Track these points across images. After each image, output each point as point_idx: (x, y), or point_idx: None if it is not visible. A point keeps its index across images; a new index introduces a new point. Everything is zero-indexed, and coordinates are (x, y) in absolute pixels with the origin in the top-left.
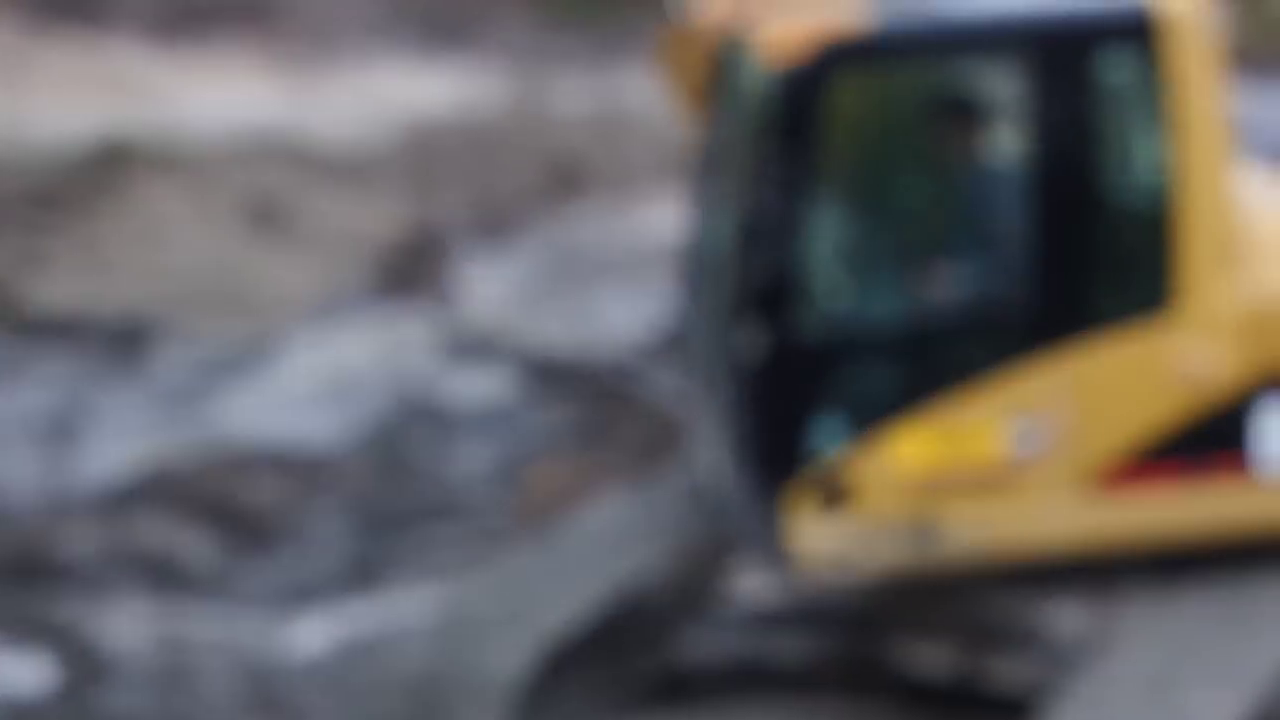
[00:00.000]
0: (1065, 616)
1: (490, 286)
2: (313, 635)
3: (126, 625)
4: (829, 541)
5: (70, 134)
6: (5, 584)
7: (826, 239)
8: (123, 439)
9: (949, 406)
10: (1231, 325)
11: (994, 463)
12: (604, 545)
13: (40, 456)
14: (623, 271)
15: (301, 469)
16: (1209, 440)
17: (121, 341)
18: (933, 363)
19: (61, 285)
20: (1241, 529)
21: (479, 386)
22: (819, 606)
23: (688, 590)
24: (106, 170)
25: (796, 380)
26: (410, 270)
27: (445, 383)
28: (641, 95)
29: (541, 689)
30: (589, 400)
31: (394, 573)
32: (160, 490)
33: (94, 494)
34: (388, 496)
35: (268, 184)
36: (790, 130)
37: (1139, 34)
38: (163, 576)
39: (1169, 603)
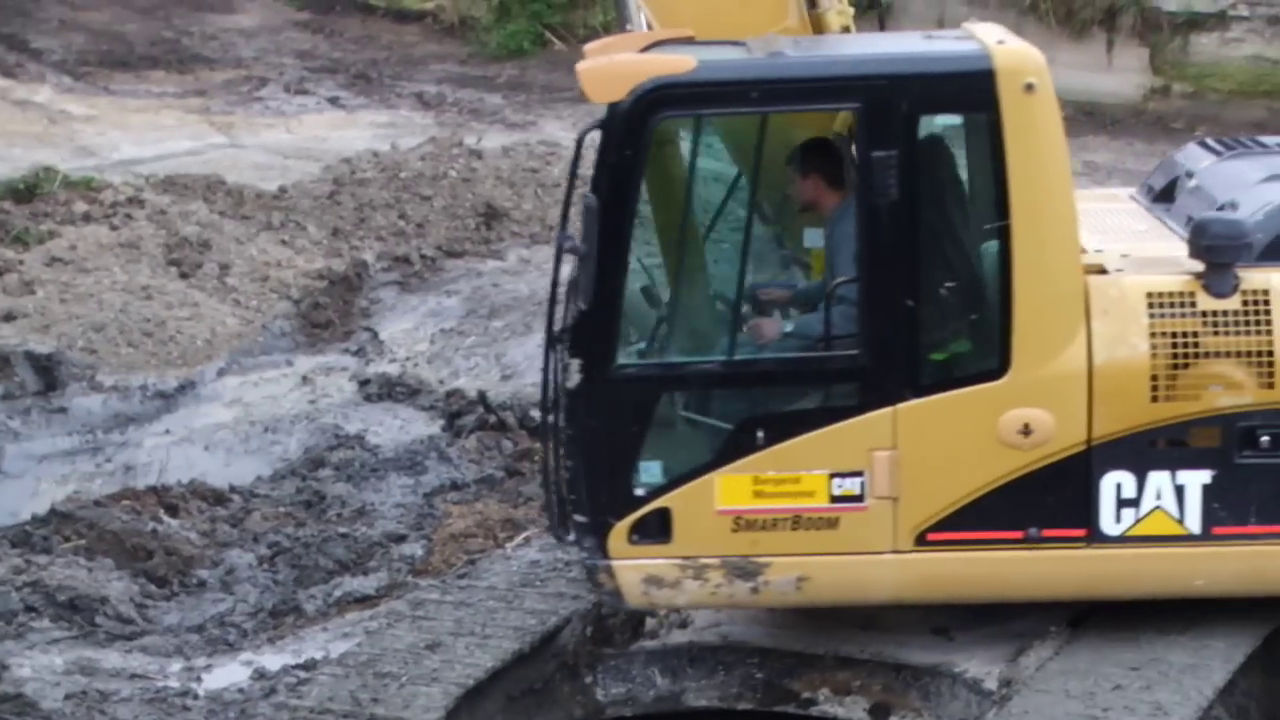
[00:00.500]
0: (982, 658)
1: (408, 329)
2: (226, 676)
3: (40, 663)
4: (647, 575)
5: None
6: None
7: (646, 280)
8: (40, 476)
9: (778, 453)
10: (1074, 386)
11: (815, 512)
12: (519, 587)
13: None
14: (539, 314)
15: (219, 509)
16: (1040, 504)
17: (41, 379)
18: (763, 409)
19: None
20: (1073, 592)
21: (396, 428)
22: (734, 644)
23: (601, 631)
24: (28, 208)
25: (621, 420)
26: (330, 312)
27: (363, 424)
28: (560, 140)
29: None
30: (504, 442)
31: (308, 613)
32: (76, 529)
33: (8, 531)
34: (304, 537)
35: (190, 225)
36: (607, 165)
37: (965, 89)
38: (77, 615)
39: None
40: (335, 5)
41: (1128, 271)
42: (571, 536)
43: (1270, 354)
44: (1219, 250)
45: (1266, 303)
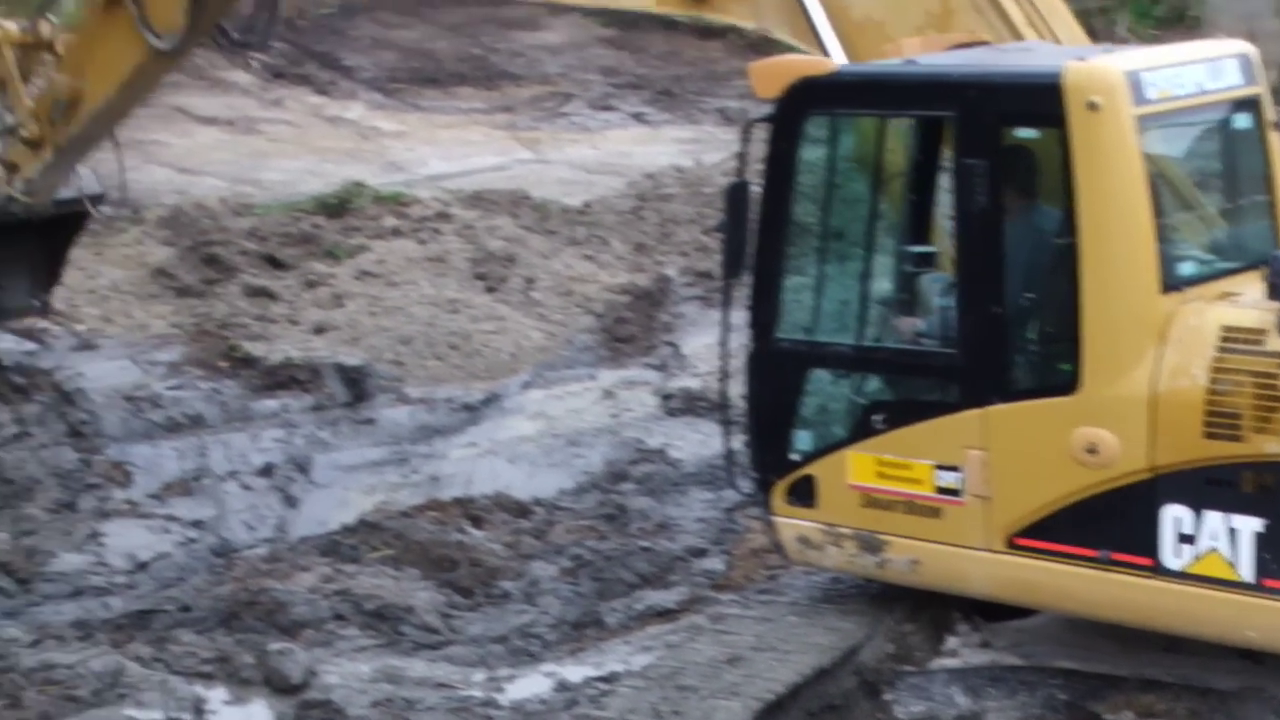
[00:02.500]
0: None
1: (710, 343)
2: (528, 686)
3: (348, 670)
4: (800, 535)
5: (307, 190)
6: (227, 627)
7: (800, 267)
8: (348, 486)
9: (895, 438)
10: (1136, 412)
11: (924, 499)
12: (820, 604)
13: (266, 502)
14: None
15: (523, 521)
16: (1110, 524)
17: (350, 390)
18: (884, 396)
19: (292, 335)
20: (1141, 620)
21: (697, 442)
22: (1037, 664)
23: (902, 648)
24: (340, 223)
25: (779, 391)
26: (633, 327)
27: (665, 438)
28: None
29: None
30: None
31: (610, 626)
32: (383, 539)
33: (317, 541)
34: (606, 550)
35: (496, 240)
36: (773, 158)
37: (1037, 104)
38: (384, 623)
39: None
40: (640, 22)
41: (1218, 301)
42: (747, 491)
43: None
44: None
45: None
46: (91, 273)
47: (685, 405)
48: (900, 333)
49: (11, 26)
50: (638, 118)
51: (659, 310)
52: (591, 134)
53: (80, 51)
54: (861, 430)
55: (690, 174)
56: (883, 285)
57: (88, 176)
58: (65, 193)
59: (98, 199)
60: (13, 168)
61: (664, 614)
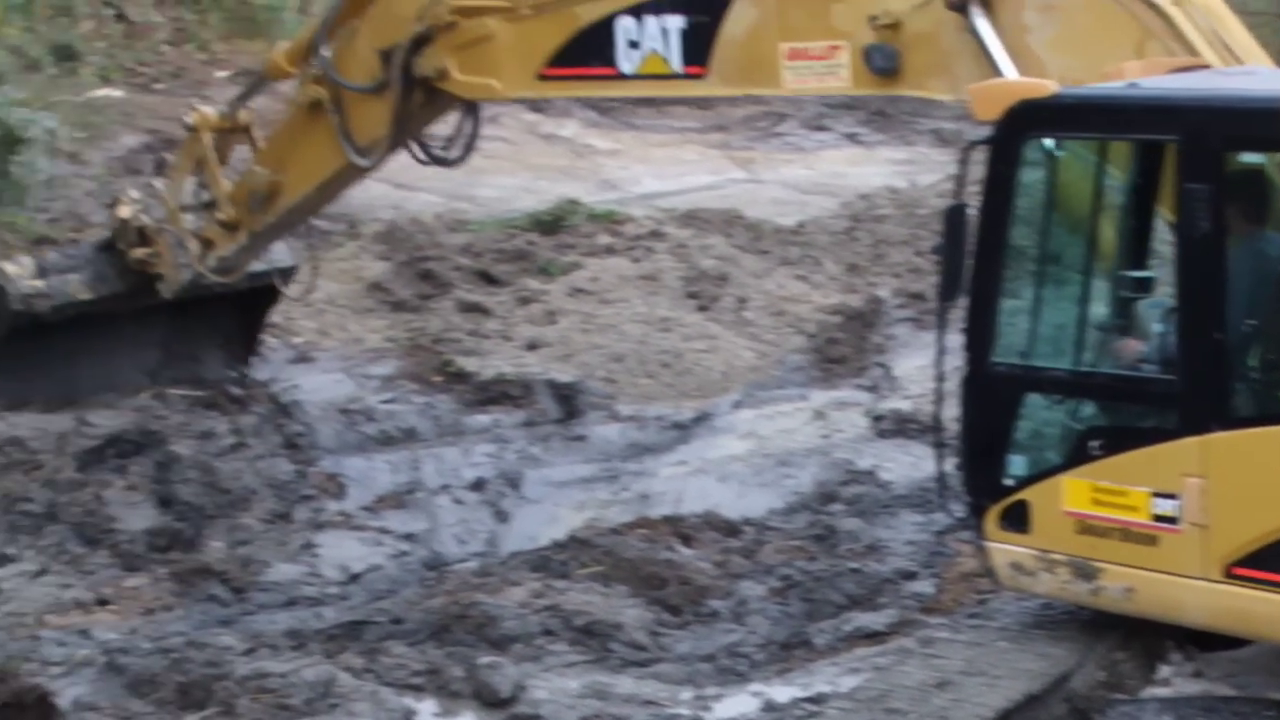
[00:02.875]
0: None
1: (922, 365)
2: (735, 706)
3: (556, 686)
4: (1013, 560)
5: (521, 207)
6: (437, 640)
7: (1017, 290)
8: (558, 502)
9: (1111, 464)
10: None
11: (1140, 527)
12: (1030, 629)
13: (477, 516)
14: None
15: (732, 540)
16: None
17: (561, 407)
18: (1101, 421)
19: (505, 351)
20: None
21: (908, 465)
22: (1251, 696)
23: (1114, 676)
24: (554, 240)
25: (994, 415)
26: (844, 347)
27: (875, 459)
28: None
29: None
30: None
31: (818, 647)
32: (593, 555)
33: (528, 556)
34: (815, 571)
35: (709, 259)
36: (992, 181)
37: (1261, 128)
38: (592, 640)
39: None
40: None
41: None
42: (959, 514)
43: None
44: None
45: None
46: (308, 286)
47: (896, 427)
48: (1119, 358)
49: (210, 112)
50: (852, 138)
51: (871, 331)
52: (805, 154)
53: (282, 147)
54: (1077, 456)
55: (904, 195)
56: (1101, 310)
57: (280, 250)
58: (257, 266)
59: (289, 273)
60: (208, 244)
61: (872, 636)
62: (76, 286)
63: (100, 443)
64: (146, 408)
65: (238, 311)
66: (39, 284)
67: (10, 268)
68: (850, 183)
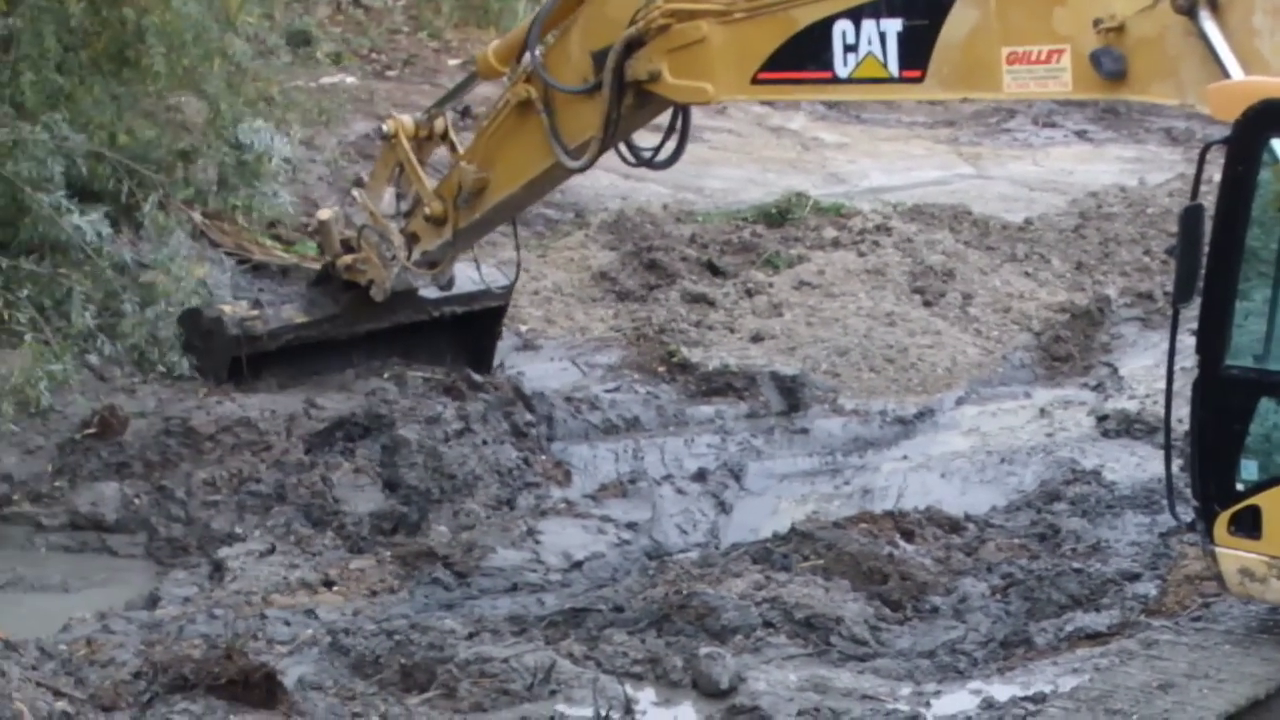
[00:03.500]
0: None
1: (1149, 366)
2: (955, 703)
3: (775, 678)
4: (1242, 566)
5: (748, 199)
6: (658, 629)
7: (1254, 293)
8: (780, 495)
9: None
10: None
11: None
12: (1256, 634)
13: (699, 507)
14: None
15: (954, 537)
16: None
17: (785, 399)
18: None
19: (729, 342)
20: None
21: (1133, 465)
22: None
23: None
24: (780, 232)
25: (1227, 419)
26: (1070, 346)
27: (1100, 459)
28: None
29: None
30: None
31: (1039, 646)
32: (815, 548)
33: (749, 547)
34: (1038, 570)
35: (936, 254)
36: (1226, 177)
37: None
38: (813, 633)
39: None
40: None
41: None
42: (1188, 519)
43: None
44: None
45: None
46: (536, 274)
47: (1122, 427)
48: None
49: (407, 120)
50: (1081, 135)
51: (1097, 330)
52: (1034, 150)
53: (491, 144)
54: None
55: (1134, 193)
56: None
57: (491, 274)
58: (473, 287)
59: (509, 289)
60: (414, 238)
61: (1094, 637)
62: (291, 312)
63: (328, 425)
64: (379, 390)
65: (467, 333)
66: (254, 312)
67: (227, 308)
68: (1079, 180)
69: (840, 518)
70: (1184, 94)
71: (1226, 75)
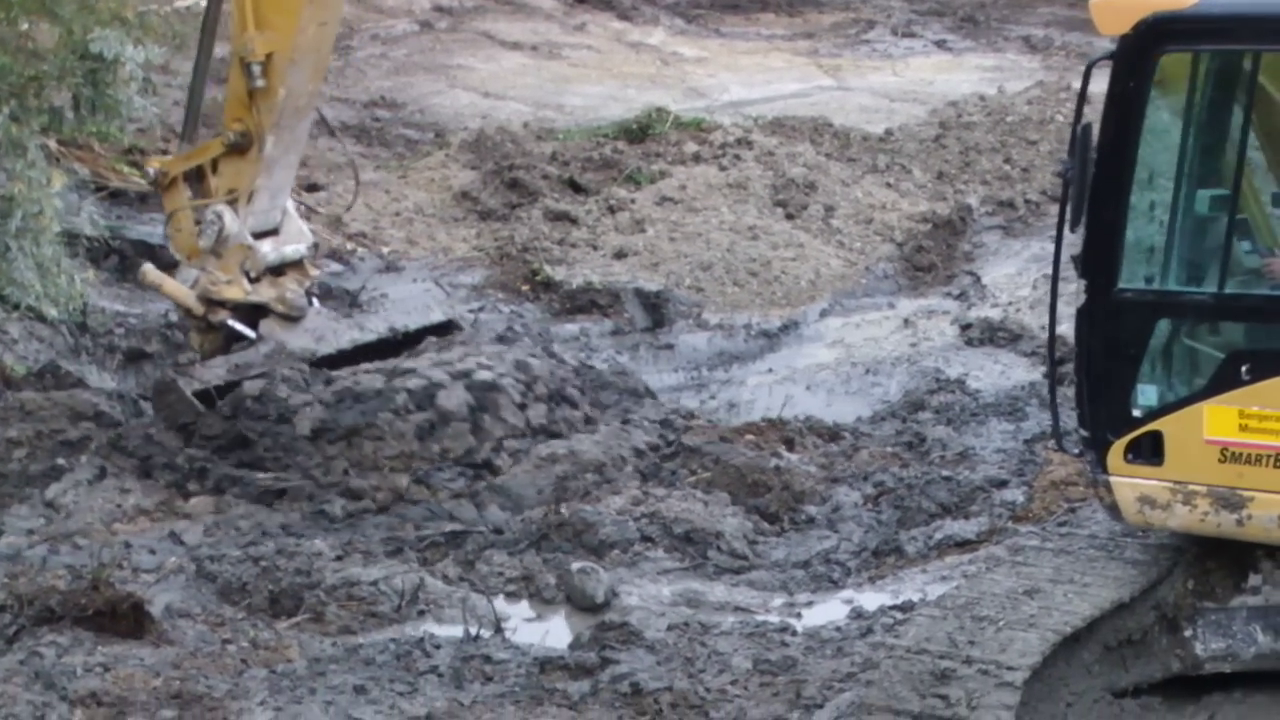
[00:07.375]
0: None
1: (1011, 274)
2: (825, 613)
3: (649, 592)
4: (1142, 494)
5: (608, 115)
6: (536, 548)
7: (1147, 213)
8: None
9: (1262, 389)
10: None
11: None
12: (1120, 537)
13: None
14: None
15: (833, 445)
16: None
17: (649, 315)
18: (1248, 344)
19: (593, 259)
20: None
21: (997, 373)
22: None
23: (1203, 584)
24: (641, 148)
25: (1120, 344)
26: (933, 256)
27: (964, 368)
28: None
29: (1047, 680)
30: None
31: (909, 554)
32: (700, 462)
33: (639, 463)
34: (908, 479)
35: (797, 167)
36: (1113, 95)
37: None
38: (690, 547)
39: None
40: None
41: None
42: (1075, 450)
43: None
44: None
45: None
46: (396, 195)
47: (985, 335)
48: (1274, 277)
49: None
50: (940, 45)
51: (959, 239)
52: (893, 61)
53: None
54: (1221, 382)
55: (993, 102)
56: (1246, 230)
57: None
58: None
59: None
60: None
61: (963, 544)
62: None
63: None
64: None
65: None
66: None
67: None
68: (939, 90)
69: (727, 429)
70: None
71: None
